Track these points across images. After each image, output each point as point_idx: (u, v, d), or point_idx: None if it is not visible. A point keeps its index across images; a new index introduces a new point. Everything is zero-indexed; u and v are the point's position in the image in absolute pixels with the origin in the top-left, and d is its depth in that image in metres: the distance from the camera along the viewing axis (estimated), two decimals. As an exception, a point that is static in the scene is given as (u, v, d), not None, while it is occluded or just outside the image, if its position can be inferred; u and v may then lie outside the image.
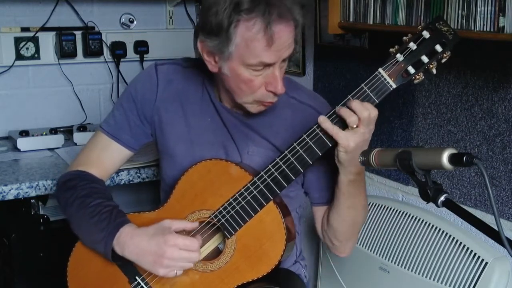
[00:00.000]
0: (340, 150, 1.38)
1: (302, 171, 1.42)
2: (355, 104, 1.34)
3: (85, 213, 1.51)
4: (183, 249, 1.40)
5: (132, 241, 1.44)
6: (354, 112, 1.34)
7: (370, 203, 2.01)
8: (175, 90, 1.60)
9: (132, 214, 1.56)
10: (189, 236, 1.47)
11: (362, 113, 1.33)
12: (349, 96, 1.38)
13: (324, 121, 1.37)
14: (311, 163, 1.42)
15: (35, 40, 2.50)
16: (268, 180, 1.43)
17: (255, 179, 1.44)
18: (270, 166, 1.43)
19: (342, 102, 1.38)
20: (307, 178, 1.60)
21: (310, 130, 1.40)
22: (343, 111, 1.35)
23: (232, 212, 1.45)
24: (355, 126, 1.34)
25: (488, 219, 1.70)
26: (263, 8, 1.34)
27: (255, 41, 1.36)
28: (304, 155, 1.41)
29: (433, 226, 1.84)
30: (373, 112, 1.35)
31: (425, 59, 1.35)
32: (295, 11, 1.38)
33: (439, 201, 1.19)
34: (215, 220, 1.47)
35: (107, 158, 1.65)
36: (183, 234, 1.45)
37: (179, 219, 1.50)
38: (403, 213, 1.95)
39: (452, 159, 1.14)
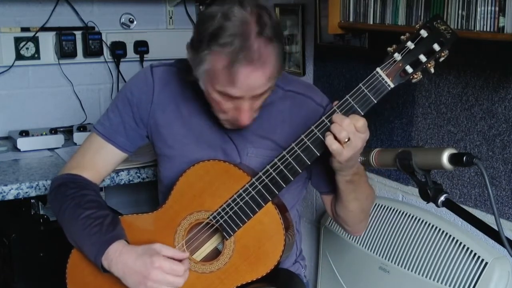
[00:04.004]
0: (333, 160, 1.39)
1: (300, 171, 1.42)
2: (338, 119, 1.33)
3: (75, 225, 1.51)
4: (169, 273, 1.39)
5: (120, 258, 1.43)
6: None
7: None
8: (172, 92, 1.59)
9: (130, 216, 1.56)
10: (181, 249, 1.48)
11: (347, 128, 1.32)
12: (335, 107, 1.38)
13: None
14: (309, 163, 1.41)
15: (35, 40, 2.50)
16: (266, 180, 1.43)
17: (253, 180, 1.44)
18: (268, 167, 1.43)
19: (328, 113, 1.38)
20: (312, 170, 1.61)
21: (308, 131, 1.40)
22: (333, 127, 1.34)
23: (231, 213, 1.45)
24: (346, 140, 1.33)
25: (488, 219, 1.70)
26: (235, 47, 1.31)
27: (219, 75, 1.36)
28: (302, 156, 1.41)
29: (433, 226, 1.84)
30: (358, 123, 1.33)
31: (423, 58, 1.34)
32: (268, 54, 1.34)
33: (439, 201, 1.19)
34: (214, 221, 1.47)
35: (101, 161, 1.64)
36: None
37: (177, 220, 1.50)
38: (403, 213, 1.95)
39: (452, 159, 1.15)
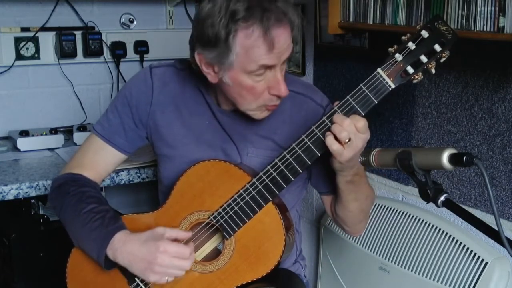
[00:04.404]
0: (334, 160, 1.39)
1: (301, 171, 1.42)
2: (338, 119, 1.34)
3: (77, 221, 1.51)
4: (174, 256, 1.40)
5: (124, 247, 1.43)
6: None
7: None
8: (171, 92, 1.59)
9: (130, 216, 1.56)
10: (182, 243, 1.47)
11: (348, 128, 1.33)
12: (336, 108, 1.38)
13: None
14: (310, 163, 1.42)
15: (35, 40, 2.50)
16: (267, 181, 1.43)
17: (254, 180, 1.44)
18: (268, 167, 1.43)
19: (329, 114, 1.38)
20: (312, 170, 1.61)
21: (309, 131, 1.40)
22: (334, 128, 1.34)
23: (231, 213, 1.45)
24: (347, 140, 1.33)
25: (488, 219, 1.70)
26: (259, 14, 1.33)
27: (255, 48, 1.36)
28: (303, 156, 1.41)
29: (433, 226, 1.84)
30: (359, 123, 1.33)
31: (424, 58, 1.34)
32: (290, 13, 1.38)
33: (439, 201, 1.19)
34: (214, 221, 1.47)
35: (101, 161, 1.64)
36: (176, 242, 1.44)
37: (178, 220, 1.50)
38: (403, 213, 1.95)
39: (452, 159, 1.15)
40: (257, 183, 1.43)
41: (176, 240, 1.43)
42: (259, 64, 1.38)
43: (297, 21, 1.41)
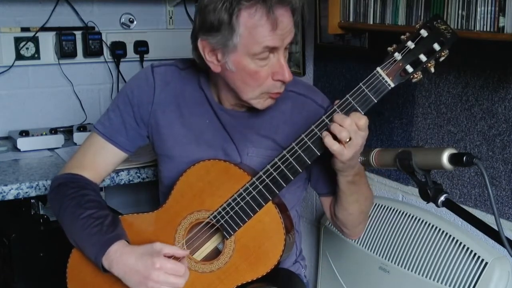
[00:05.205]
0: (335, 160, 1.39)
1: (300, 171, 1.42)
2: (339, 118, 1.34)
3: (76, 225, 1.51)
4: (170, 273, 1.40)
5: (120, 258, 1.43)
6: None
7: (370, 203, 2.01)
8: (172, 92, 1.59)
9: (130, 216, 1.56)
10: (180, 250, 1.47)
11: (349, 127, 1.33)
12: (335, 107, 1.38)
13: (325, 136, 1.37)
14: (310, 163, 1.42)
15: (35, 40, 2.50)
16: (267, 180, 1.43)
17: (254, 179, 1.44)
18: (268, 167, 1.43)
19: (329, 113, 1.38)
20: (312, 171, 1.61)
21: (309, 130, 1.40)
22: (333, 128, 1.34)
23: (231, 213, 1.45)
24: (348, 140, 1.34)
25: (488, 219, 1.70)
26: None
27: (259, 27, 1.36)
28: (303, 155, 1.41)
29: (433, 226, 1.84)
30: (360, 121, 1.34)
31: (423, 58, 1.34)
32: None
33: (439, 201, 1.19)
34: (214, 221, 1.47)
35: (102, 161, 1.64)
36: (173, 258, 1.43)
37: (178, 220, 1.50)
38: (403, 213, 1.95)
39: (452, 159, 1.15)
40: (257, 183, 1.43)
41: (172, 256, 1.43)
42: (263, 46, 1.38)
43: (299, 3, 1.41)
